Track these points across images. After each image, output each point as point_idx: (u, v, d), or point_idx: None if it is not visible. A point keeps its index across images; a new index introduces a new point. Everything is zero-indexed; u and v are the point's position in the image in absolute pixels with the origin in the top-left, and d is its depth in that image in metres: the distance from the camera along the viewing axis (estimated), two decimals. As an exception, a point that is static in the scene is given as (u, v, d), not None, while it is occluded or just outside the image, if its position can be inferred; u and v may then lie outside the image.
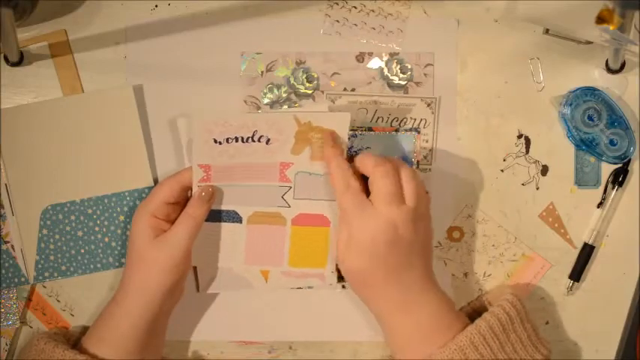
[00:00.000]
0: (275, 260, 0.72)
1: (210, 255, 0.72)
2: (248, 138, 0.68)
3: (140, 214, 0.67)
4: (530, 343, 0.67)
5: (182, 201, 0.69)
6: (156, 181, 0.74)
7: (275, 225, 0.71)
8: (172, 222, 0.68)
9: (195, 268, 0.73)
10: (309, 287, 0.74)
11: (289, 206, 0.71)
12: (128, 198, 0.74)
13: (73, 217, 0.74)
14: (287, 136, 0.68)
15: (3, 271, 0.74)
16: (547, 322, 0.76)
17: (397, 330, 0.66)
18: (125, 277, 0.68)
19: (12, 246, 0.74)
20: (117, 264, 0.74)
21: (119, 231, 0.74)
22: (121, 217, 0.74)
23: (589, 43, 0.75)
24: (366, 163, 0.66)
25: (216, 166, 0.69)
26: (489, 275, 0.76)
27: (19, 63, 0.74)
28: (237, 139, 0.68)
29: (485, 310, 0.69)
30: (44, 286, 0.75)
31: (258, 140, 0.68)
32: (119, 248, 0.74)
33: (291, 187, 0.70)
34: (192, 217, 0.67)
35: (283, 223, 0.71)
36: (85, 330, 0.71)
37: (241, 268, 0.72)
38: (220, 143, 0.68)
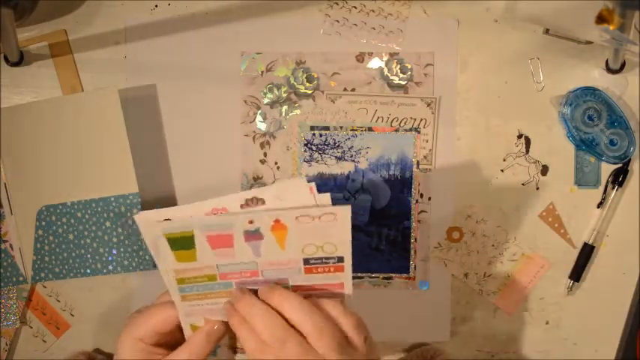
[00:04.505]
0: None
1: None
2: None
3: (126, 339, 0.57)
4: None
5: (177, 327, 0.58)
6: (142, 187, 0.74)
7: None
8: (162, 347, 0.57)
9: None
10: None
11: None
12: (114, 204, 0.73)
13: (64, 220, 0.73)
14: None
15: (2, 270, 0.74)
16: (547, 322, 0.76)
17: None
18: None
19: (10, 245, 0.74)
20: (104, 270, 0.73)
21: (106, 237, 0.73)
22: (108, 223, 0.73)
23: (589, 43, 0.75)
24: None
25: None
26: (489, 275, 0.76)
27: (19, 63, 0.75)
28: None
29: None
30: (44, 286, 0.75)
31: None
32: (106, 255, 0.73)
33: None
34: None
35: None
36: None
37: None
38: None
